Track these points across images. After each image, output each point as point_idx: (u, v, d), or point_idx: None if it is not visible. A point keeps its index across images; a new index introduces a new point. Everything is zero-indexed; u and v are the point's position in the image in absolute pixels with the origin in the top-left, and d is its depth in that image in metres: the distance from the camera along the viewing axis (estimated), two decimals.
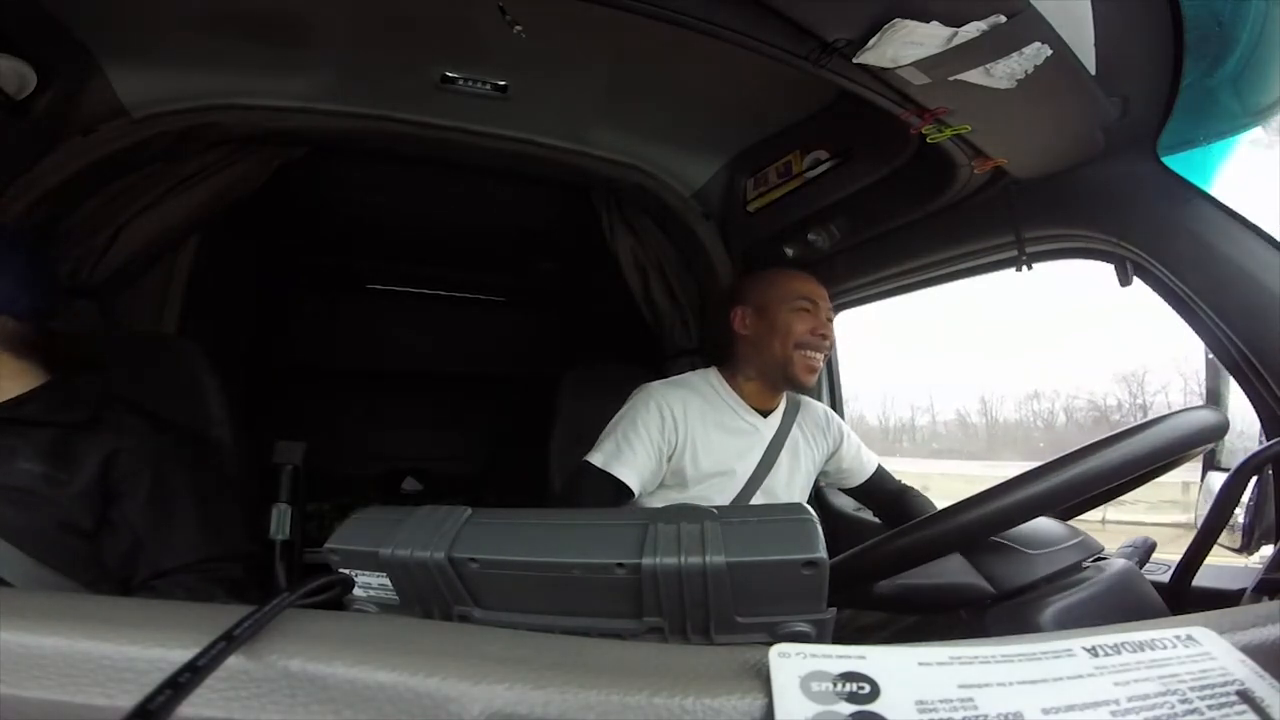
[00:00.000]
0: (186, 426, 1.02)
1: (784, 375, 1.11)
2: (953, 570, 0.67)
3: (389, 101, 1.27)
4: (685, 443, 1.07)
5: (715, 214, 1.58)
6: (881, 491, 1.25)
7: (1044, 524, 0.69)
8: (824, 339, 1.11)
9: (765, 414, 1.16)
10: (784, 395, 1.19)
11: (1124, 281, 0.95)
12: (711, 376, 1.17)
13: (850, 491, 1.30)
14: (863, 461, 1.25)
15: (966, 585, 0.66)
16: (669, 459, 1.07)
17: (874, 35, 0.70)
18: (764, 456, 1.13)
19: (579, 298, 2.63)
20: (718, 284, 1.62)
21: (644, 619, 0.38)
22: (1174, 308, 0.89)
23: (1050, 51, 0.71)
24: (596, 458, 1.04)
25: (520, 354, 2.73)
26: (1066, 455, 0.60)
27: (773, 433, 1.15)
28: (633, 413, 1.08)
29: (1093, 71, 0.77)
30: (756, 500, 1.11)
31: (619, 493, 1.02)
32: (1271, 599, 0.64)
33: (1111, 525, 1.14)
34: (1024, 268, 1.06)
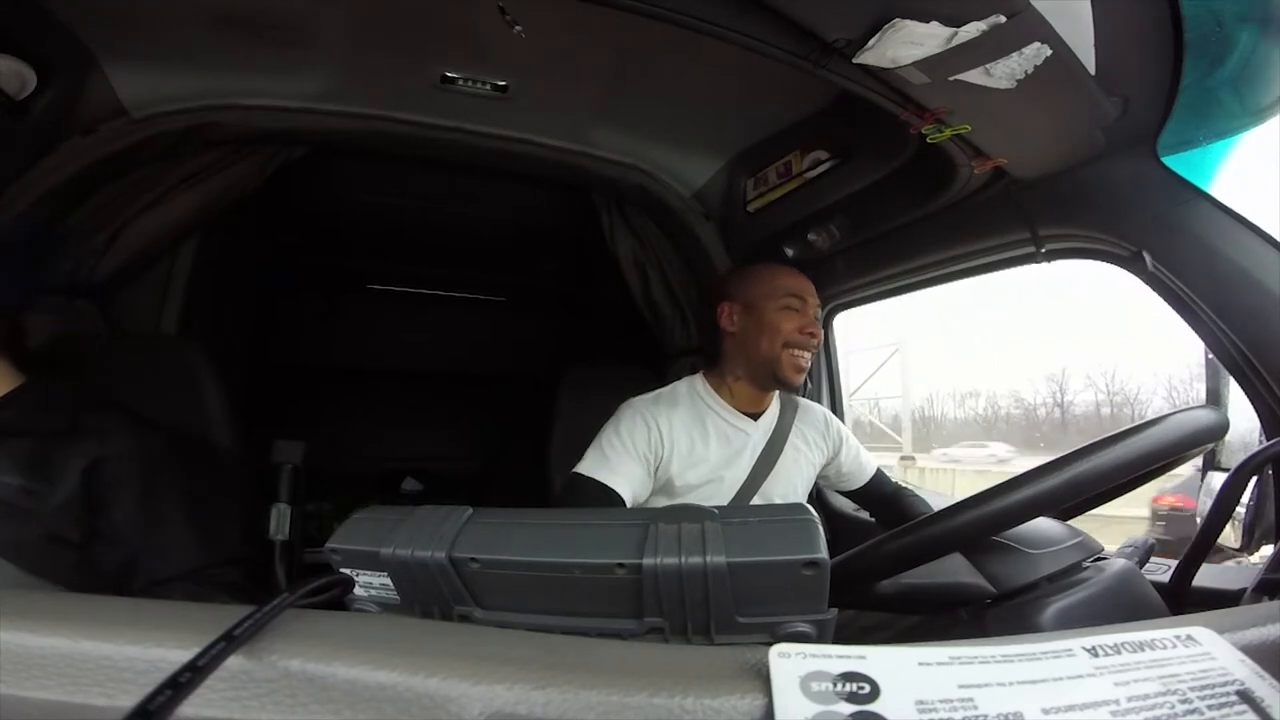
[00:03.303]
0: (177, 428, 0.97)
1: (772, 375, 1.10)
2: (953, 570, 0.67)
3: (389, 101, 1.27)
4: (671, 456, 1.06)
5: (715, 214, 1.58)
6: (880, 494, 1.25)
7: (1044, 524, 0.69)
8: (812, 338, 1.09)
9: (756, 417, 1.14)
10: (775, 396, 1.17)
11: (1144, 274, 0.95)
12: (697, 384, 1.15)
13: (848, 494, 1.29)
14: (862, 464, 1.24)
15: (967, 585, 0.67)
16: (655, 471, 1.06)
17: (874, 35, 0.70)
18: (758, 461, 1.12)
19: (579, 298, 2.63)
20: None
21: (644, 619, 0.38)
22: (1174, 308, 0.89)
23: (1050, 51, 0.71)
24: (584, 468, 1.03)
25: (520, 354, 2.73)
26: (1067, 455, 0.60)
27: (765, 437, 1.14)
28: (618, 425, 1.07)
29: (1093, 71, 0.77)
30: (755, 502, 1.10)
31: (608, 502, 1.00)
32: (1271, 599, 0.64)
33: None
34: (1040, 262, 1.05)
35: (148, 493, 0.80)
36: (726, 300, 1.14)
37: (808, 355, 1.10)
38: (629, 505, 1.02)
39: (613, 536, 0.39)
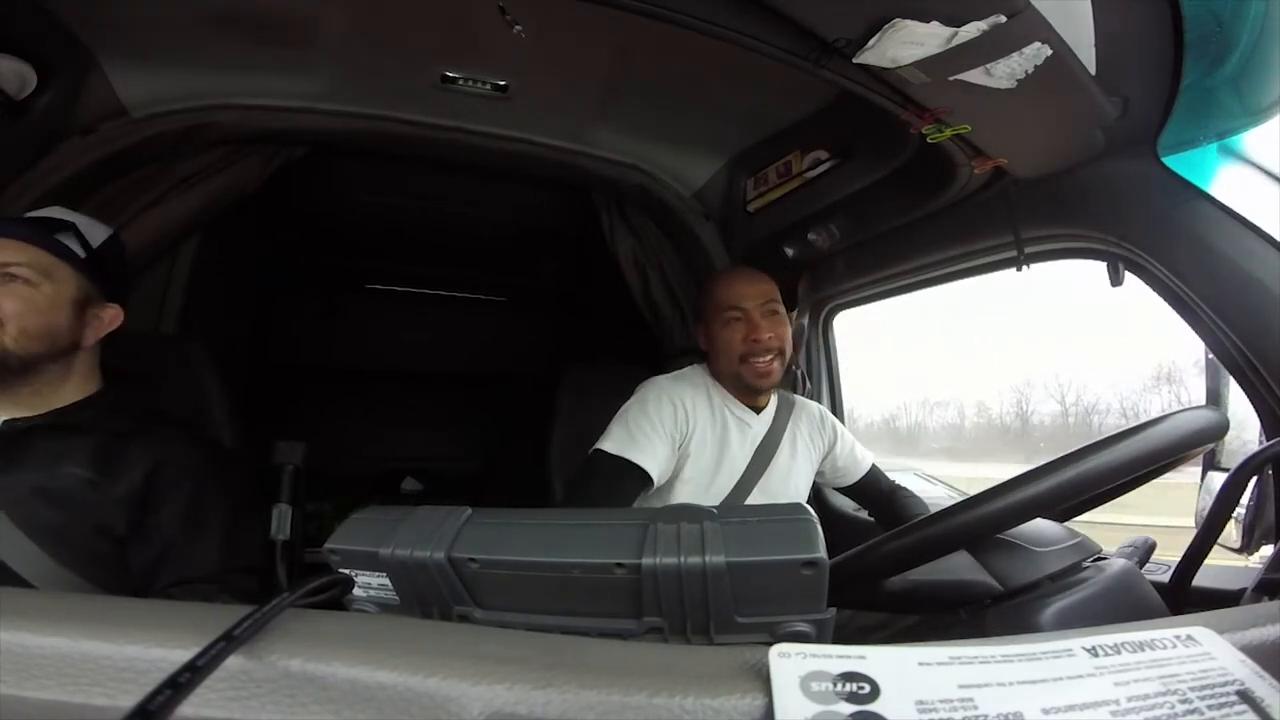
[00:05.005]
0: (220, 443, 1.05)
1: (740, 385, 1.11)
2: (960, 567, 0.67)
3: (389, 101, 1.27)
4: (690, 436, 1.06)
5: (715, 214, 1.58)
6: (874, 490, 1.25)
7: (1043, 524, 0.69)
8: (757, 343, 1.07)
9: (757, 411, 1.16)
10: (771, 394, 1.18)
11: (1116, 281, 0.96)
12: (706, 374, 1.17)
13: (844, 490, 1.30)
14: (857, 460, 1.24)
15: (974, 582, 0.67)
16: (678, 449, 1.05)
17: (874, 35, 0.70)
18: (757, 454, 1.13)
19: (579, 298, 2.63)
20: None
21: (644, 619, 0.38)
22: (1174, 308, 0.89)
23: (1050, 51, 0.71)
24: (609, 445, 1.00)
25: (520, 354, 2.73)
26: (1067, 455, 0.60)
27: (765, 430, 1.15)
28: (643, 402, 1.05)
29: (1093, 71, 0.77)
30: (754, 500, 1.11)
31: (634, 480, 0.98)
32: (1271, 599, 0.64)
33: None
34: (1022, 268, 1.06)
35: (196, 497, 0.86)
36: (698, 319, 1.18)
37: (766, 359, 1.08)
38: (655, 485, 1.01)
39: (612, 536, 0.39)
